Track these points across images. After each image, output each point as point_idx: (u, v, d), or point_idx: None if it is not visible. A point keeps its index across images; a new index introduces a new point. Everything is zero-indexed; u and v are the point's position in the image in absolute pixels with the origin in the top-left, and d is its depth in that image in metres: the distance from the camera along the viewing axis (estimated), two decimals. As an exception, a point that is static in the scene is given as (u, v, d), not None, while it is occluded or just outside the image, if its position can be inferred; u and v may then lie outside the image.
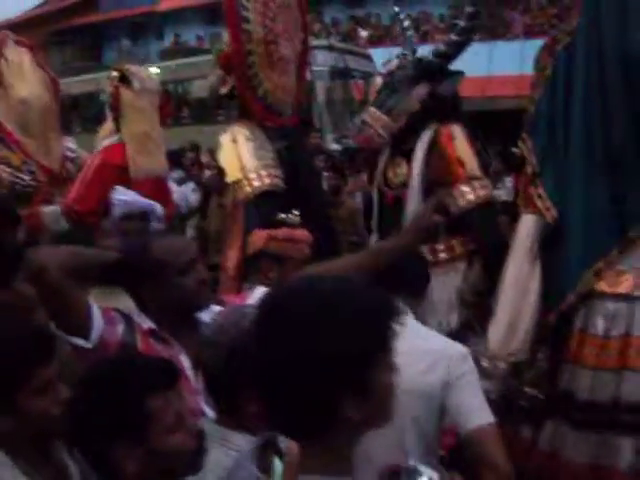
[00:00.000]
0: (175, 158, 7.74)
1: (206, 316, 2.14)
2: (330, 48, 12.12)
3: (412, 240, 2.25)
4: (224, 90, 4.20)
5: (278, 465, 1.15)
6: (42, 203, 4.64)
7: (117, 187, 3.84)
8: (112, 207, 3.74)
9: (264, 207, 3.83)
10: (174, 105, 14.14)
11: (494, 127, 13.91)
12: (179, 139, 9.20)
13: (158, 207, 3.79)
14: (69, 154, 5.22)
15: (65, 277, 1.96)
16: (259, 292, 2.27)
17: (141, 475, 1.48)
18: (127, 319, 2.12)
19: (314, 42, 13.22)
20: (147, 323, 2.11)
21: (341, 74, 12.10)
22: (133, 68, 4.68)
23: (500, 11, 18.35)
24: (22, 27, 27.22)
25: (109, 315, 2.09)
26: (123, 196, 3.71)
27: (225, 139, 4.10)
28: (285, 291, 1.22)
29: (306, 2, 4.30)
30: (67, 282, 1.97)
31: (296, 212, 3.17)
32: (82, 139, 6.62)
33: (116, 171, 4.27)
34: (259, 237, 3.08)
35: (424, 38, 15.45)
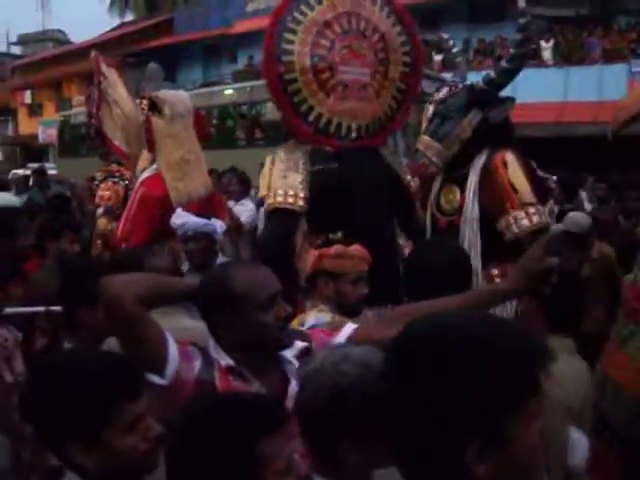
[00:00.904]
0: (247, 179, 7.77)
1: (289, 353, 2.03)
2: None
3: (520, 285, 2.08)
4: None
5: None
6: None
7: (177, 211, 3.80)
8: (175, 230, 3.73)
9: (273, 222, 3.95)
10: (248, 126, 14.30)
11: (569, 153, 13.63)
12: (252, 160, 9.21)
13: (218, 224, 3.77)
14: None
15: (140, 306, 1.86)
16: (348, 328, 2.14)
17: None
18: (204, 355, 2.00)
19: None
20: (225, 359, 1.98)
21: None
22: (161, 94, 4.56)
23: (577, 36, 18.04)
24: (99, 49, 28.13)
25: (185, 350, 1.97)
26: (181, 219, 3.68)
27: (267, 160, 4.16)
28: (417, 330, 1.11)
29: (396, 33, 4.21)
30: (142, 313, 1.87)
31: (339, 233, 3.12)
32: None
33: (158, 202, 4.26)
34: (312, 256, 3.02)
35: (498, 63, 15.27)
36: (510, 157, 3.79)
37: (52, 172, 14.04)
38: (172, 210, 3.99)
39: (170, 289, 2.05)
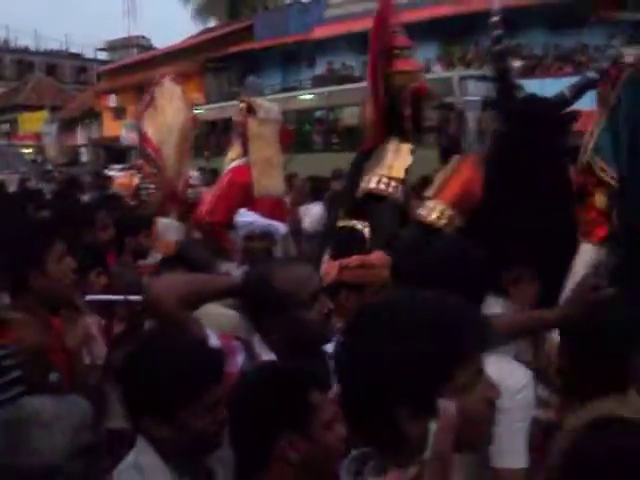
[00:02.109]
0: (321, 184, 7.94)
1: (331, 347, 2.06)
2: (482, 78, 11.96)
3: (575, 312, 2.08)
4: None
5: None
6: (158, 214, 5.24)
7: (241, 209, 4.03)
8: (237, 228, 4.00)
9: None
10: (325, 131, 14.48)
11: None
12: (328, 165, 9.31)
13: (280, 227, 4.09)
14: (192, 181, 6.13)
15: (181, 307, 1.92)
16: None
17: (301, 467, 1.56)
18: (248, 349, 2.05)
19: (465, 72, 13.11)
20: (268, 354, 2.04)
21: (492, 104, 11.85)
22: (259, 100, 5.26)
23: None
24: (181, 54, 28.88)
25: (229, 344, 2.03)
26: (247, 217, 3.87)
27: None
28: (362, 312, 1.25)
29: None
30: (183, 313, 1.94)
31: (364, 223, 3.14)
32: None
33: (242, 188, 4.78)
34: (332, 268, 2.98)
35: (578, 69, 14.90)
36: None
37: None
38: (252, 199, 4.59)
39: (211, 288, 2.09)
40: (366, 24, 6.16)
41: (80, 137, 33.42)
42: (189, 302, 1.97)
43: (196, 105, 19.78)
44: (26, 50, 51.32)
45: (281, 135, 5.17)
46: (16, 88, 44.54)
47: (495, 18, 3.91)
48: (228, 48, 26.19)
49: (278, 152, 5.10)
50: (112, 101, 32.99)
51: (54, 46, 52.45)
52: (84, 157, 31.77)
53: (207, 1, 36.75)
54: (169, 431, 1.66)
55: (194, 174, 6.49)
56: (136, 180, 6.49)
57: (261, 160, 4.94)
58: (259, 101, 5.25)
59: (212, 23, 36.24)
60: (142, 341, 1.91)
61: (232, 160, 5.33)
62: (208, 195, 5.08)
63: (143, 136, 6.25)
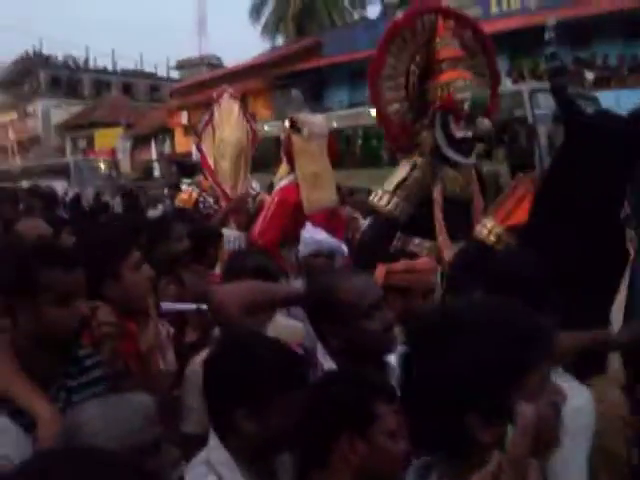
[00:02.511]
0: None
1: (393, 359, 2.06)
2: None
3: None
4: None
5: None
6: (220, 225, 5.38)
7: (307, 225, 4.13)
8: (301, 244, 4.06)
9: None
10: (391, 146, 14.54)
11: None
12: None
13: (344, 246, 4.14)
14: (251, 191, 6.28)
15: (244, 315, 1.97)
16: None
17: (360, 471, 1.62)
18: (309, 356, 2.09)
19: (536, 85, 12.91)
20: (329, 363, 2.06)
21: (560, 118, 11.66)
22: (302, 117, 5.27)
23: None
24: (250, 71, 29.32)
25: None
26: (314, 235, 3.93)
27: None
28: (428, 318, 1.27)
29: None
30: (246, 320, 1.99)
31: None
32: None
33: (292, 207, 4.83)
34: (379, 272, 3.00)
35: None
36: None
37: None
38: (303, 216, 4.63)
39: (275, 296, 2.14)
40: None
41: (153, 153, 34.19)
42: (252, 309, 2.01)
43: (265, 121, 20.07)
44: (104, 70, 53.01)
45: (329, 148, 5.17)
46: (93, 106, 45.99)
47: (550, 34, 3.86)
48: (296, 65, 26.46)
49: (326, 166, 5.11)
50: (183, 118, 33.66)
51: (129, 65, 54.03)
52: (156, 172, 32.49)
53: (275, 19, 37.28)
54: (256, 426, 1.71)
55: (255, 185, 6.65)
56: (195, 195, 6.68)
57: (309, 176, 4.96)
58: (303, 117, 5.28)
59: (280, 41, 36.75)
60: (229, 338, 1.96)
61: (281, 178, 5.45)
62: (260, 217, 5.13)
63: (201, 153, 6.57)
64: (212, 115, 6.62)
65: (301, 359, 1.85)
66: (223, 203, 6.18)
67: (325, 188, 4.98)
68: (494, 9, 20.16)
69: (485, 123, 4.56)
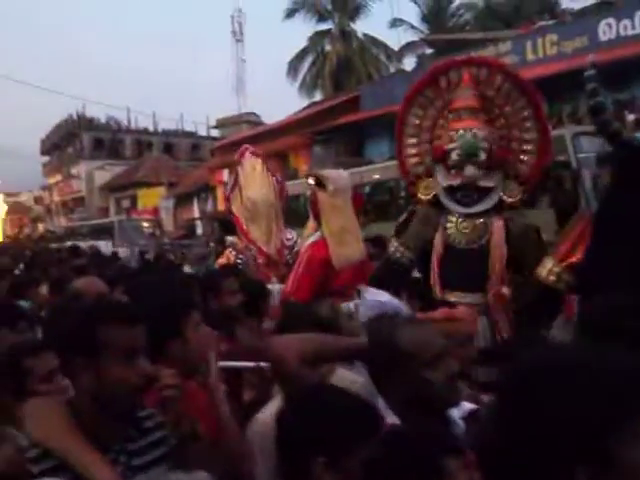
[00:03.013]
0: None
1: (456, 413, 1.99)
2: (596, 134, 11.66)
3: None
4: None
5: None
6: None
7: (369, 288, 4.10)
8: (363, 306, 4.10)
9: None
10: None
11: None
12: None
13: (405, 309, 4.12)
14: (286, 242, 6.47)
15: (303, 367, 1.94)
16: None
17: None
18: None
19: (578, 128, 12.82)
20: (391, 417, 1.99)
21: (608, 160, 11.51)
22: (326, 173, 5.32)
23: None
24: (289, 128, 29.73)
25: None
26: (376, 296, 3.93)
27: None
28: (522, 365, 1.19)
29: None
30: (305, 372, 1.96)
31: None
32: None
33: (322, 263, 4.85)
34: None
35: None
36: None
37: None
38: (333, 271, 4.74)
39: (335, 348, 2.10)
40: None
41: (195, 211, 34.72)
42: (311, 361, 1.97)
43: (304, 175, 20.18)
44: (145, 131, 54.37)
45: (354, 200, 5.23)
46: (136, 166, 47.05)
47: (590, 71, 3.84)
48: (335, 120, 26.75)
49: (353, 219, 5.14)
50: (225, 176, 34.23)
51: (170, 126, 55.33)
52: (199, 230, 32.92)
53: (313, 76, 37.98)
54: (335, 476, 1.67)
55: (291, 235, 6.81)
56: (232, 257, 6.80)
57: (336, 231, 4.98)
58: (326, 173, 5.32)
59: (318, 96, 37.33)
60: (303, 389, 1.93)
61: (309, 235, 5.54)
62: (291, 275, 5.19)
63: (233, 216, 6.78)
64: (237, 177, 6.84)
65: (375, 409, 1.80)
66: (260, 260, 6.32)
67: (352, 242, 4.99)
68: (530, 56, 20.20)
69: (471, 170, 4.66)
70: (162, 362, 2.33)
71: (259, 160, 6.84)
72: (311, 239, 5.29)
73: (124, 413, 1.98)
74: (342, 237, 4.94)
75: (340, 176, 5.35)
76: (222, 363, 2.89)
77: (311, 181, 5.29)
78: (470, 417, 2.07)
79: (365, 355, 2.10)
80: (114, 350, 1.89)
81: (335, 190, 5.05)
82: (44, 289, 6.57)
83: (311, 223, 5.61)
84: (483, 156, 4.63)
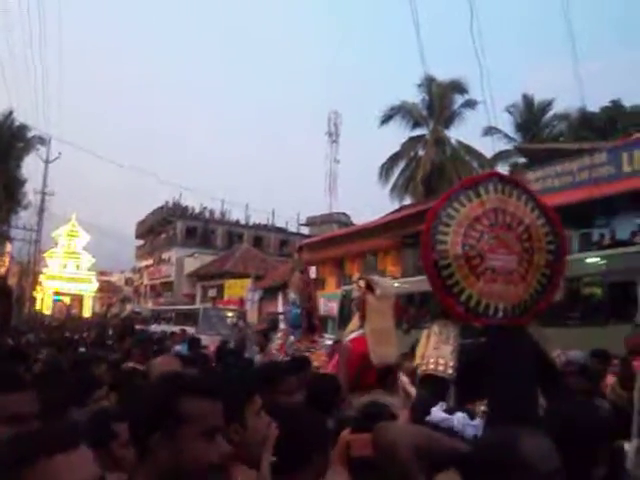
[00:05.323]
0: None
1: None
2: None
3: None
4: None
5: None
6: None
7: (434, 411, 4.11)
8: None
9: (424, 388, 4.24)
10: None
11: None
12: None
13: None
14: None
15: (415, 459, 1.85)
16: None
17: None
18: None
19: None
20: None
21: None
22: (375, 279, 5.90)
23: None
24: (379, 230, 29.93)
25: None
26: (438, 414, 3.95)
27: (424, 333, 4.52)
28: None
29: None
30: (415, 465, 1.86)
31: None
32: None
33: (360, 357, 5.25)
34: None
35: None
36: None
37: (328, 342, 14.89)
38: (370, 367, 5.13)
39: (447, 446, 2.01)
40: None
41: (279, 305, 34.96)
42: (422, 454, 1.89)
43: (394, 277, 20.13)
44: (237, 223, 55.91)
45: (395, 309, 5.73)
46: (225, 256, 48.15)
47: None
48: (423, 224, 26.77)
49: (392, 324, 5.66)
50: (312, 273, 34.55)
51: (261, 219, 56.75)
52: (282, 324, 33.07)
53: (405, 180, 38.41)
54: None
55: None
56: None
57: (378, 331, 5.44)
58: (376, 279, 5.91)
59: (408, 200, 37.57)
60: None
61: (351, 332, 5.90)
62: (330, 366, 5.67)
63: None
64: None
65: None
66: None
67: (389, 344, 5.41)
68: (626, 168, 19.69)
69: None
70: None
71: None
72: (352, 335, 5.73)
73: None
74: (381, 337, 5.38)
75: (387, 284, 5.96)
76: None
77: (362, 284, 5.82)
78: None
79: (467, 462, 2.00)
80: (196, 424, 1.80)
81: (382, 295, 5.61)
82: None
83: (355, 321, 5.98)
84: None
